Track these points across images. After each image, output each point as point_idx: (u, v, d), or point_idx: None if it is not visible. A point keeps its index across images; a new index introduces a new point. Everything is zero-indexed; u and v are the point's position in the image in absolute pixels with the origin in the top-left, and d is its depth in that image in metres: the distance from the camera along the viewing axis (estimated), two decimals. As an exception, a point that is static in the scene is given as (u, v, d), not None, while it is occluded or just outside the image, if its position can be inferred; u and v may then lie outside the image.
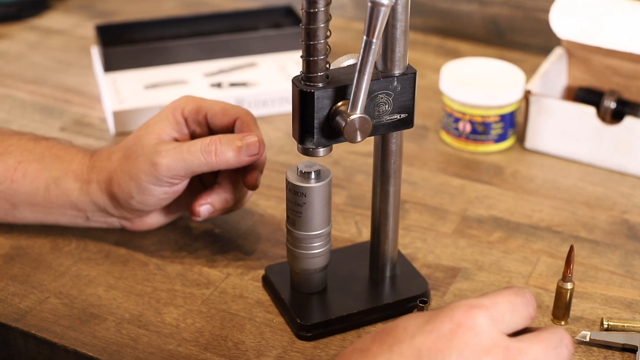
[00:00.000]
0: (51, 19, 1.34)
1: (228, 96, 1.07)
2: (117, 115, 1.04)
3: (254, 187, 0.81)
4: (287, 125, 1.06)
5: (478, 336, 0.55)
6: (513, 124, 1.02)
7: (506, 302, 0.57)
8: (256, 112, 1.08)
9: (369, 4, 0.63)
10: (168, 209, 0.85)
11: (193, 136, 0.82)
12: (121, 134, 1.05)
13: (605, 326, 0.76)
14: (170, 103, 0.82)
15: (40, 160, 0.82)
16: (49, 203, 0.82)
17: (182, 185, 0.80)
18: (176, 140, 0.80)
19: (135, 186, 0.79)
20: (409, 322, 0.57)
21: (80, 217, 0.84)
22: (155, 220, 0.85)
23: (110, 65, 1.12)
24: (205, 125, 0.81)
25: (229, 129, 0.81)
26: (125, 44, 1.15)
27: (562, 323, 0.77)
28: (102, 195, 0.81)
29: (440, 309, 0.57)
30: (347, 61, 0.71)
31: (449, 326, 0.55)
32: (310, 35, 0.66)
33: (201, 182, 0.86)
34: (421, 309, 0.72)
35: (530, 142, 1.02)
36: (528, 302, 0.58)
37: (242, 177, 0.81)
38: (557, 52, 1.06)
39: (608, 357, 0.74)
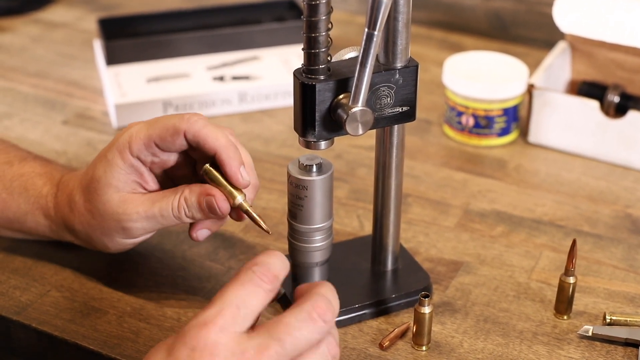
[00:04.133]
0: (54, 13, 1.34)
1: (231, 89, 1.07)
2: (120, 109, 1.04)
3: (244, 186, 0.73)
4: (290, 119, 1.05)
5: (215, 355, 0.55)
6: (516, 117, 1.01)
7: (232, 302, 0.57)
8: (259, 105, 1.08)
9: (371, -4, 0.63)
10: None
11: (153, 166, 0.74)
12: (123, 127, 1.04)
13: (608, 320, 0.76)
14: (116, 139, 0.74)
15: (8, 191, 0.79)
16: (24, 230, 0.81)
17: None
18: (137, 183, 0.74)
19: (109, 241, 0.76)
20: (154, 357, 0.57)
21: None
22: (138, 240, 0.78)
23: (112, 58, 1.12)
24: (160, 152, 0.73)
25: (183, 148, 0.73)
26: (128, 37, 1.14)
27: (565, 317, 0.77)
28: (76, 239, 0.79)
29: (178, 333, 0.57)
30: (348, 54, 0.71)
31: (186, 353, 0.55)
32: (311, 27, 0.66)
33: (169, 178, 0.78)
34: (423, 303, 0.72)
35: (534, 136, 1.01)
36: (258, 282, 0.58)
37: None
38: (561, 46, 1.05)
39: (611, 351, 0.74)
